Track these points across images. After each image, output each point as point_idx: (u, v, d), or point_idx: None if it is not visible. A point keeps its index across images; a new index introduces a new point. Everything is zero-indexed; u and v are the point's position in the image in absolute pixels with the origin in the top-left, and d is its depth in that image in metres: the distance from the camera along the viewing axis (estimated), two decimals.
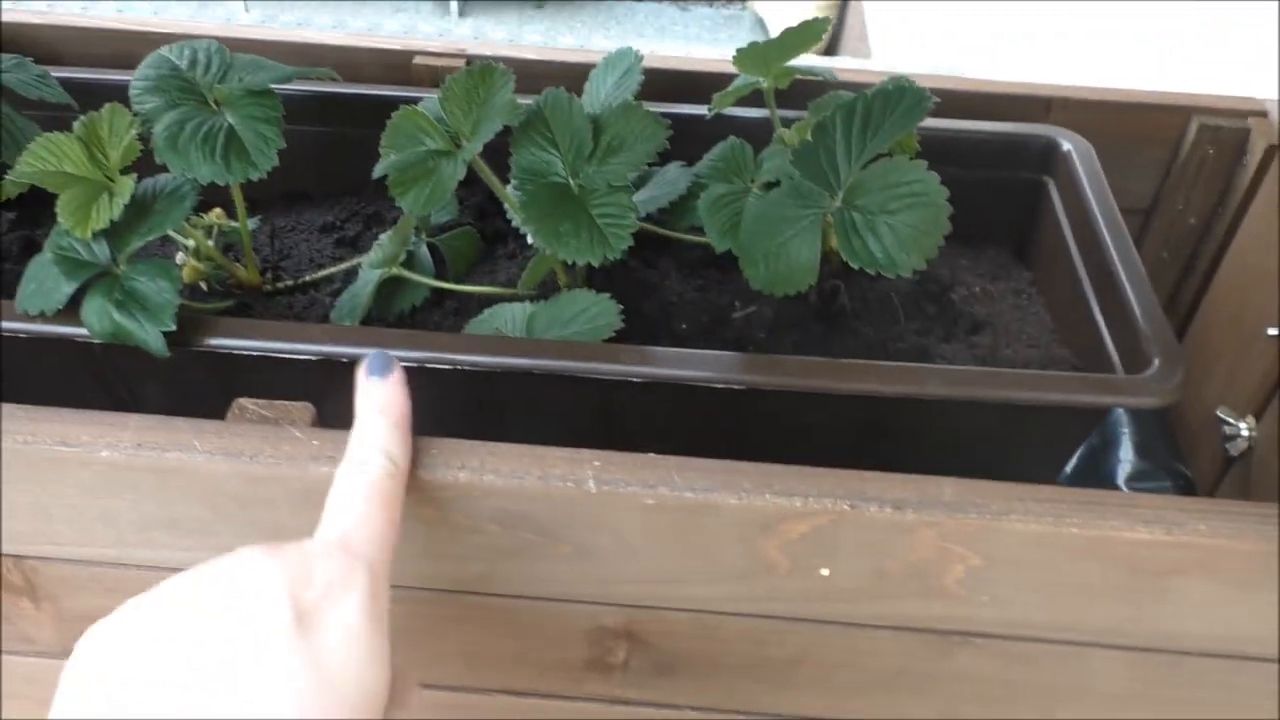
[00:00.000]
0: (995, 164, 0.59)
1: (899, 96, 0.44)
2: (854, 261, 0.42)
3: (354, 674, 0.31)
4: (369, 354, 0.41)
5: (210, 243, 0.53)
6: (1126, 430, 0.62)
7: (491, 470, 0.39)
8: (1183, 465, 0.61)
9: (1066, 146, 0.58)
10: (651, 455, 0.40)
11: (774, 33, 0.51)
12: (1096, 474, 0.62)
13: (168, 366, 0.46)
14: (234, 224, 0.54)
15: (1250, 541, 0.38)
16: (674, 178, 0.52)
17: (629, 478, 0.39)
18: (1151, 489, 0.60)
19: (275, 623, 0.30)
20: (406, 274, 0.53)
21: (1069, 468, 0.63)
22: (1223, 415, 0.58)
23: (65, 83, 0.56)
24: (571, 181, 0.48)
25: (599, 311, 0.47)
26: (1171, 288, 0.68)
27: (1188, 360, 0.45)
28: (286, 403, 0.42)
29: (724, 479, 0.39)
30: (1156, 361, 0.45)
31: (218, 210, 0.54)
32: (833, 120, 0.45)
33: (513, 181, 0.49)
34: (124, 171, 0.47)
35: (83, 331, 0.45)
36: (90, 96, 0.57)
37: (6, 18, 0.66)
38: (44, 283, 0.45)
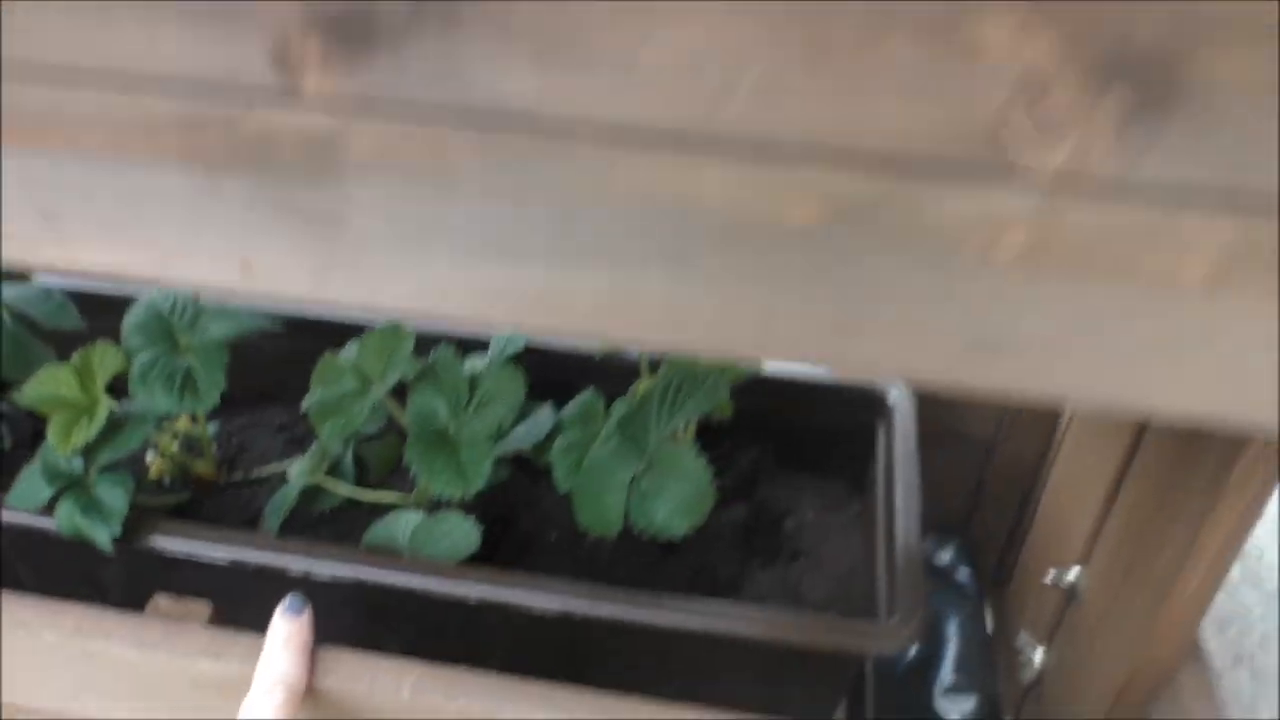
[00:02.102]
0: (836, 409, 0.70)
1: (702, 379, 0.56)
2: (638, 523, 0.52)
3: None
4: (288, 596, 0.52)
5: (175, 445, 0.66)
6: (951, 644, 0.70)
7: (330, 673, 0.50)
8: (994, 683, 0.69)
9: (893, 397, 0.68)
10: (463, 670, 0.50)
11: None
12: (922, 681, 0.70)
13: (117, 557, 0.58)
14: (198, 429, 0.67)
15: None
16: (542, 420, 0.64)
17: (439, 689, 0.49)
18: (961, 702, 0.68)
19: None
20: (323, 482, 0.65)
21: (900, 670, 0.72)
22: (1021, 644, 0.66)
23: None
24: (451, 425, 0.60)
25: (461, 535, 0.58)
26: (1015, 515, 0.77)
27: (922, 612, 0.54)
28: (191, 601, 0.53)
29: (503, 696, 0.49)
30: (897, 614, 0.54)
31: (185, 417, 0.67)
32: (652, 393, 0.56)
33: (408, 420, 0.61)
34: (108, 391, 0.61)
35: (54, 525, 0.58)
36: (84, 305, 0.71)
37: None
38: (31, 486, 0.58)
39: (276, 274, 0.30)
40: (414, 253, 0.29)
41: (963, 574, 0.75)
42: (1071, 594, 0.61)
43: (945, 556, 0.76)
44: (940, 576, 0.75)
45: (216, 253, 0.30)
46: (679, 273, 0.27)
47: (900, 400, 0.68)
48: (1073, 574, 0.61)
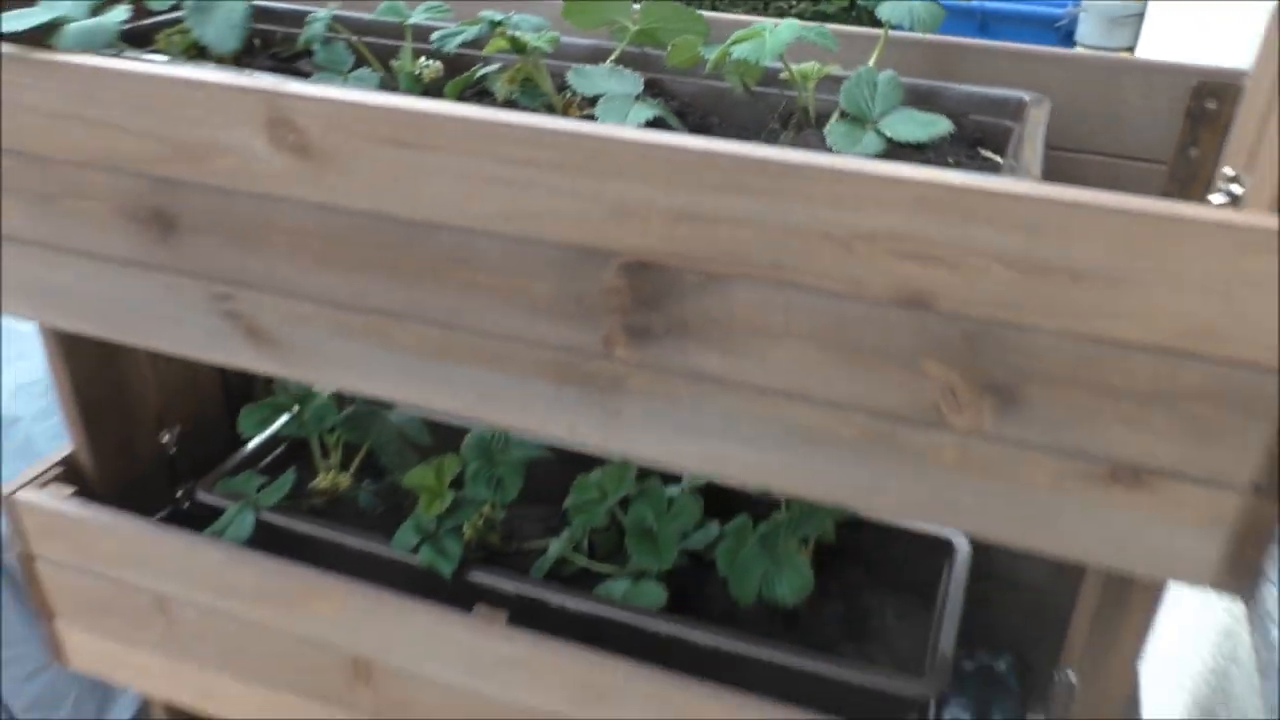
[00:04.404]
0: (915, 545, 1.00)
1: (816, 513, 0.89)
2: (766, 595, 0.85)
3: None
4: None
5: (481, 522, 1.04)
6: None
7: None
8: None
9: (957, 542, 0.99)
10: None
11: None
12: None
13: (452, 583, 0.95)
14: None
15: None
16: (711, 530, 0.98)
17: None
18: None
19: None
20: (570, 555, 1.01)
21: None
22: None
23: None
24: (655, 526, 0.96)
25: (654, 594, 0.93)
26: None
27: (943, 683, 0.83)
28: (495, 611, 0.90)
29: None
30: (923, 680, 0.83)
31: (490, 505, 1.05)
32: (782, 520, 0.90)
33: (628, 521, 0.97)
34: (451, 484, 1.00)
35: None
36: (433, 429, 1.12)
37: None
38: (405, 535, 0.98)
39: (585, 435, 0.67)
40: (655, 431, 0.65)
41: (1011, 679, 1.02)
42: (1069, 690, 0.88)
43: (1001, 665, 1.04)
44: (994, 677, 1.02)
45: (551, 419, 0.67)
46: (800, 456, 0.62)
47: (961, 545, 0.98)
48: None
